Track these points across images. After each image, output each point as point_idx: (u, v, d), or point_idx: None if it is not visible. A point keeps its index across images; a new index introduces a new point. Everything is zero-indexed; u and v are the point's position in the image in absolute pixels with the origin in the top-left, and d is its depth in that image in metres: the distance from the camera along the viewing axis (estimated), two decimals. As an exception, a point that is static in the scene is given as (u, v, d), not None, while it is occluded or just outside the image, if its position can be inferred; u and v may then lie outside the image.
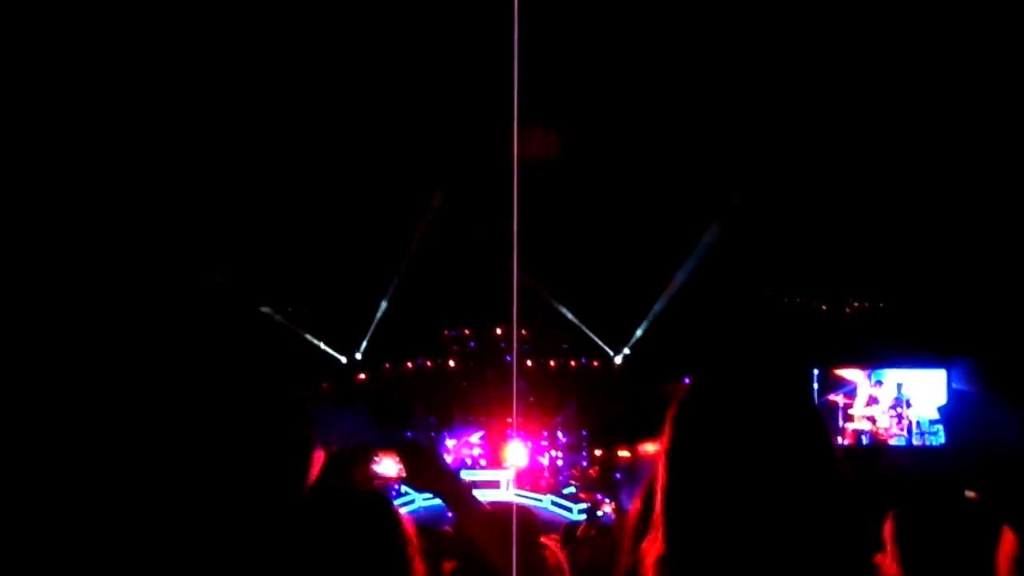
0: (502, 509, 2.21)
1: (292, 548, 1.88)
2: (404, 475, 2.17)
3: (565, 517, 11.93)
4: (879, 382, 12.61)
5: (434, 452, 2.21)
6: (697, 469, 1.25)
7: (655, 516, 1.30)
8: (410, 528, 2.04)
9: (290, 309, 15.10)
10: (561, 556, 2.62)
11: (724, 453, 1.23)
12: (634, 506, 1.51)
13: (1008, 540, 1.93)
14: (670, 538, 1.26)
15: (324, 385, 15.21)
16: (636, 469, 13.26)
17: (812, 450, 1.25)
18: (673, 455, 1.29)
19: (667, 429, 1.32)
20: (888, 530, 2.15)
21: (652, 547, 1.30)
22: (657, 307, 15.04)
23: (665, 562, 1.26)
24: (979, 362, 12.32)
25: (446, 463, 2.21)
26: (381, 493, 2.16)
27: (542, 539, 2.44)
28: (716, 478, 1.22)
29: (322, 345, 15.57)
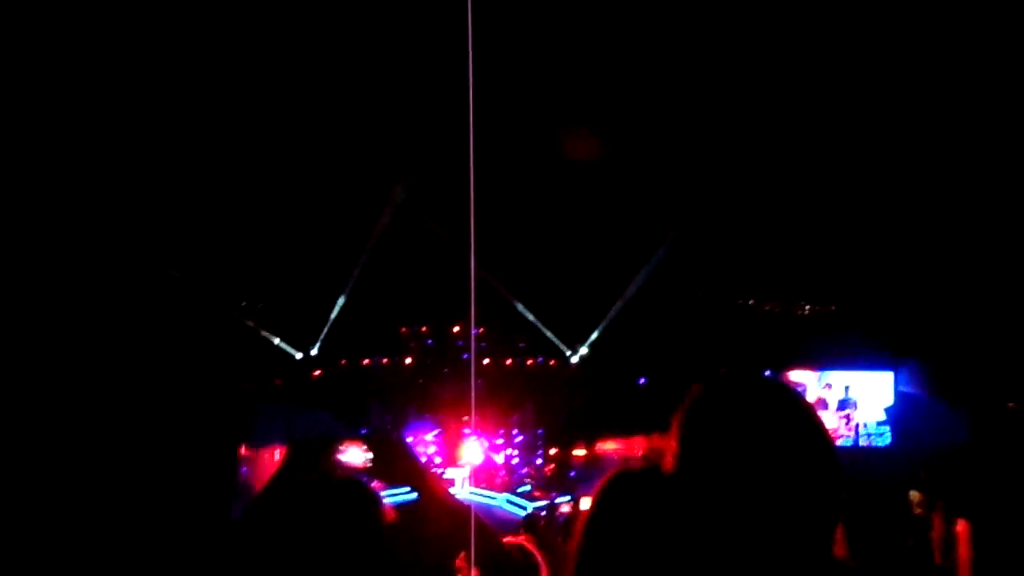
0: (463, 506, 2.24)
1: (273, 533, 1.89)
2: (370, 465, 2.17)
3: (518, 515, 11.97)
4: (828, 384, 12.86)
5: (402, 443, 2.21)
6: (706, 471, 1.30)
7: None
8: (389, 511, 2.06)
9: (244, 304, 14.94)
10: (535, 551, 2.65)
11: (733, 457, 1.28)
12: (580, 516, 1.55)
13: (963, 530, 1.98)
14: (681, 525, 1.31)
15: (277, 381, 15.07)
16: (592, 467, 13.34)
17: (817, 453, 1.30)
18: (684, 455, 1.33)
19: (675, 432, 1.36)
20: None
21: None
22: (614, 309, 15.18)
23: None
24: (926, 365, 12.61)
25: (415, 456, 2.22)
26: (357, 478, 2.16)
27: (511, 538, 2.45)
28: (728, 481, 1.27)
29: (277, 341, 15.42)
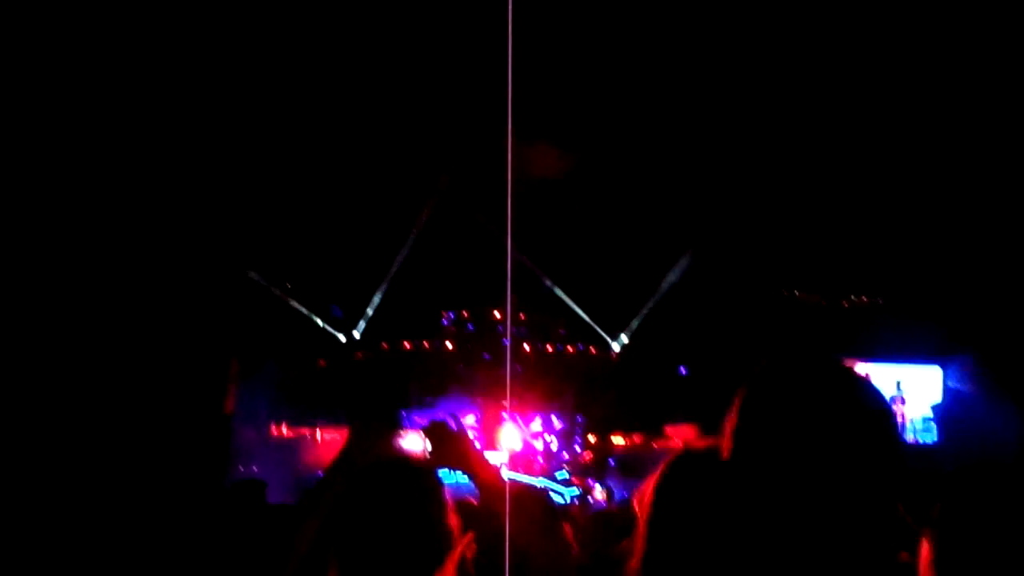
0: (526, 490, 2.23)
1: (338, 515, 1.93)
2: (429, 453, 2.18)
3: (556, 502, 12.01)
4: (866, 375, 12.62)
5: (461, 435, 2.20)
6: (764, 455, 1.25)
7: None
8: (449, 499, 2.08)
9: (290, 286, 15.15)
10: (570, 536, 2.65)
11: (789, 438, 1.23)
12: (645, 497, 1.51)
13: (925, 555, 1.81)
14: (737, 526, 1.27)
15: (321, 362, 15.27)
16: (631, 456, 13.31)
17: (880, 445, 1.25)
18: (741, 437, 1.29)
19: (733, 412, 1.32)
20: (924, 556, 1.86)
21: None
22: (655, 297, 15.07)
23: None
24: (977, 360, 12.33)
25: (473, 446, 2.21)
26: (420, 464, 2.18)
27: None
28: (783, 468, 1.22)
29: (320, 323, 15.61)
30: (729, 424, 1.31)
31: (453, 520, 2.04)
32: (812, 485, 1.22)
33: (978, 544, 1.52)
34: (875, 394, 1.31)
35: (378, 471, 2.07)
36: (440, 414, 2.33)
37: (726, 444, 1.31)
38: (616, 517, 3.63)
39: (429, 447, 2.21)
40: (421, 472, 2.08)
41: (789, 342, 12.79)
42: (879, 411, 1.30)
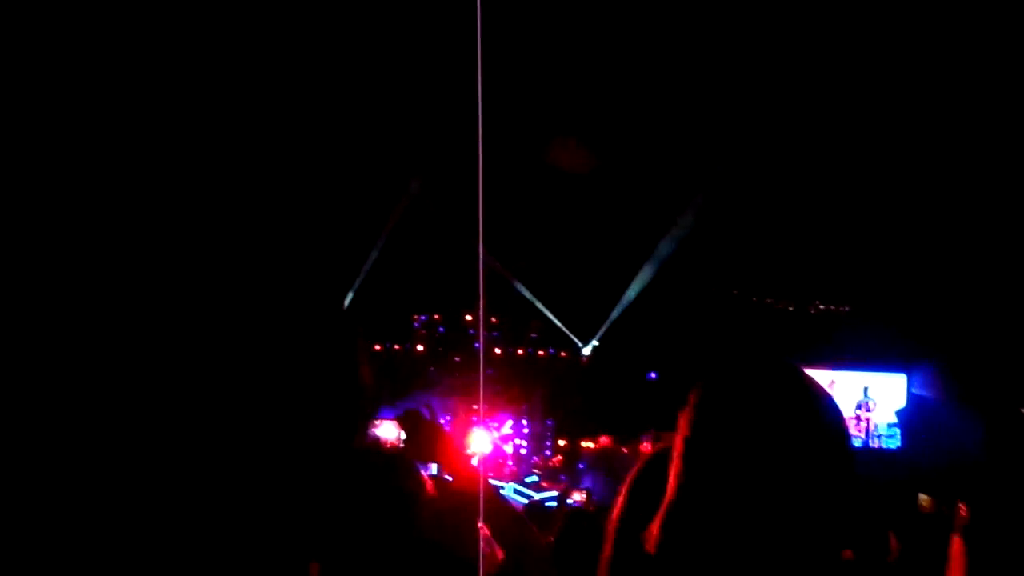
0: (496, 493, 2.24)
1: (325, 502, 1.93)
2: (402, 443, 2.19)
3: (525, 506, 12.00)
4: (832, 382, 12.80)
5: (435, 424, 2.21)
6: (716, 458, 1.26)
7: (667, 497, 1.32)
8: (428, 483, 2.09)
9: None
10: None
11: (744, 444, 1.25)
12: (619, 499, 1.53)
13: (956, 549, 1.94)
14: (683, 524, 1.28)
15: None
16: (600, 460, 13.31)
17: (832, 445, 1.27)
18: (692, 444, 1.30)
19: (686, 418, 1.33)
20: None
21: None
22: (626, 301, 15.15)
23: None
24: (941, 368, 12.51)
25: (447, 436, 2.22)
26: (397, 453, 2.20)
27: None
28: (734, 467, 1.24)
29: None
30: (680, 430, 1.33)
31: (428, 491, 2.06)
32: (760, 487, 1.24)
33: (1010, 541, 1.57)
34: (823, 395, 1.34)
35: (354, 459, 2.08)
36: (414, 403, 2.33)
37: (676, 450, 1.33)
38: (590, 515, 3.64)
39: (403, 436, 2.21)
40: (396, 458, 2.09)
41: (755, 347, 12.90)
42: (828, 411, 1.32)
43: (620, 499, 1.52)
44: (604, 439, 13.74)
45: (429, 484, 2.13)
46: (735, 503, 1.23)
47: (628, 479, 1.53)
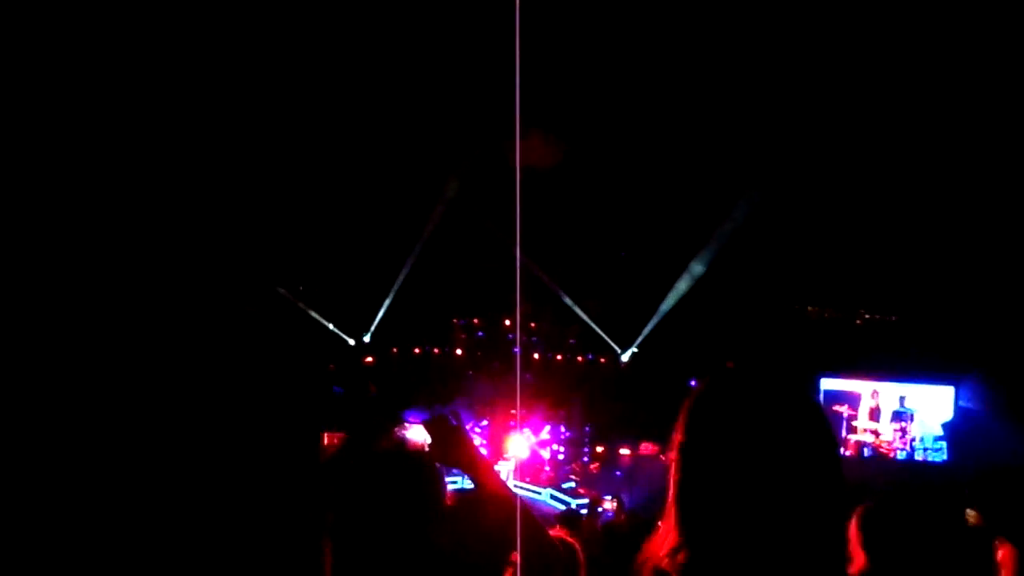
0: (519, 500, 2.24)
1: (343, 500, 1.96)
2: (430, 450, 2.21)
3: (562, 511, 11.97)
4: (876, 393, 12.58)
5: (461, 430, 2.23)
6: (709, 463, 1.30)
7: (667, 507, 1.34)
8: (446, 488, 2.11)
9: (302, 288, 15.21)
10: (576, 545, 2.65)
11: (736, 449, 1.28)
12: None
13: (1006, 554, 1.97)
14: (683, 528, 1.30)
15: (331, 366, 15.32)
16: (637, 468, 13.22)
17: (818, 449, 1.29)
18: (687, 449, 1.33)
19: (680, 425, 1.36)
20: (853, 528, 2.17)
21: (665, 539, 1.34)
22: (666, 308, 15.05)
23: (677, 552, 1.30)
24: (988, 381, 12.25)
25: (472, 443, 2.23)
26: (421, 454, 2.22)
27: (554, 531, 2.47)
28: (727, 472, 1.27)
29: (331, 326, 15.66)
30: (675, 437, 1.37)
31: (448, 507, 2.06)
32: (749, 490, 1.27)
33: None
34: (810, 403, 1.37)
35: (376, 459, 2.10)
36: (441, 409, 2.34)
37: (672, 456, 1.37)
38: (623, 527, 3.63)
39: (429, 441, 2.23)
40: (418, 460, 2.10)
41: (799, 356, 12.74)
42: (815, 423, 1.35)
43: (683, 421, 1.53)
44: (642, 447, 13.66)
45: (449, 495, 2.13)
46: (726, 504, 1.26)
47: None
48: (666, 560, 1.33)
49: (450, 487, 2.25)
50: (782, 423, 1.32)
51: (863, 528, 2.02)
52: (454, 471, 2.26)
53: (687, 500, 1.32)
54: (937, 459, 12.56)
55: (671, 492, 1.35)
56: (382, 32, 8.44)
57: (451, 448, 2.20)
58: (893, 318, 14.55)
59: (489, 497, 2.14)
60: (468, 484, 2.24)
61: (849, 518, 1.37)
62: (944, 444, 12.57)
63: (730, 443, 1.31)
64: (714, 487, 1.30)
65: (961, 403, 12.62)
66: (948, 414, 12.63)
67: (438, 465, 2.17)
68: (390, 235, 13.81)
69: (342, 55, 8.85)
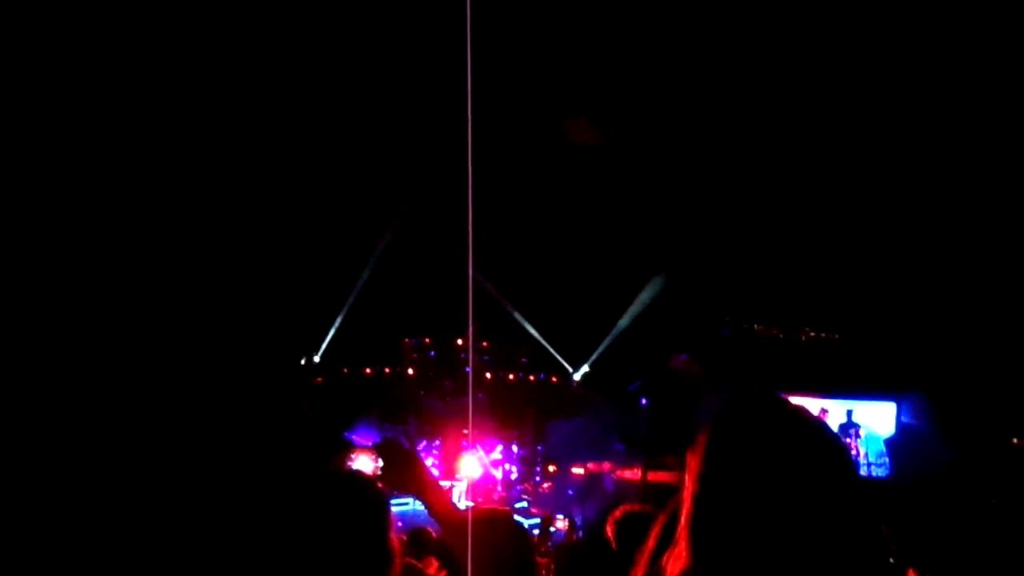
0: (487, 519, 2.20)
1: (287, 526, 1.89)
2: (379, 473, 2.16)
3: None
4: (825, 410, 12.80)
5: (412, 454, 2.19)
6: (728, 492, 1.29)
7: (679, 532, 1.33)
8: (390, 512, 2.05)
9: (249, 310, 14.96)
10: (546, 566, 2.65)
11: (755, 479, 1.27)
12: (652, 532, 1.55)
13: None
14: (696, 555, 1.29)
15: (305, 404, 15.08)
16: (591, 487, 13.25)
17: (837, 478, 1.29)
18: (705, 479, 1.32)
19: (699, 454, 1.35)
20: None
21: (675, 563, 1.33)
22: (617, 327, 15.16)
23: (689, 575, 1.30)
24: (930, 396, 12.54)
25: (424, 466, 2.20)
26: (367, 478, 2.17)
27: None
28: (746, 501, 1.26)
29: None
30: (692, 467, 1.36)
31: (395, 539, 2.01)
32: (777, 525, 1.26)
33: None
34: (831, 435, 1.38)
35: (321, 482, 2.05)
36: (392, 432, 2.31)
37: (689, 487, 1.35)
38: (581, 547, 3.63)
39: (380, 464, 2.20)
40: (365, 485, 2.05)
41: (746, 374, 12.92)
42: (837, 451, 1.35)
43: (653, 533, 1.53)
44: (592, 465, 13.68)
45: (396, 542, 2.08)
46: (746, 535, 1.25)
47: (662, 517, 1.55)
48: None
49: (399, 508, 2.22)
50: (802, 454, 1.32)
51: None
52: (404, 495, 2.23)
53: (702, 526, 1.32)
54: (880, 474, 12.82)
55: (684, 518, 1.34)
56: (332, 47, 8.41)
57: (403, 472, 2.17)
58: (836, 336, 14.84)
59: (442, 520, 2.12)
60: (419, 507, 2.21)
61: (876, 549, 1.35)
62: (887, 459, 12.83)
63: (749, 472, 1.31)
64: (731, 515, 1.29)
65: (903, 419, 12.91)
66: (890, 430, 12.90)
67: (384, 492, 2.13)
68: (340, 254, 13.69)
69: (292, 72, 8.79)
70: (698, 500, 1.33)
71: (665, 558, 1.38)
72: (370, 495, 2.01)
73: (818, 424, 1.38)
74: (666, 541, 1.47)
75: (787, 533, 1.27)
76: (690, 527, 1.32)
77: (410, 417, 14.27)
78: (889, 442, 12.84)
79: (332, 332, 15.32)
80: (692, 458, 1.37)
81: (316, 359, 15.66)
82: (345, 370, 15.84)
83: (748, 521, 1.28)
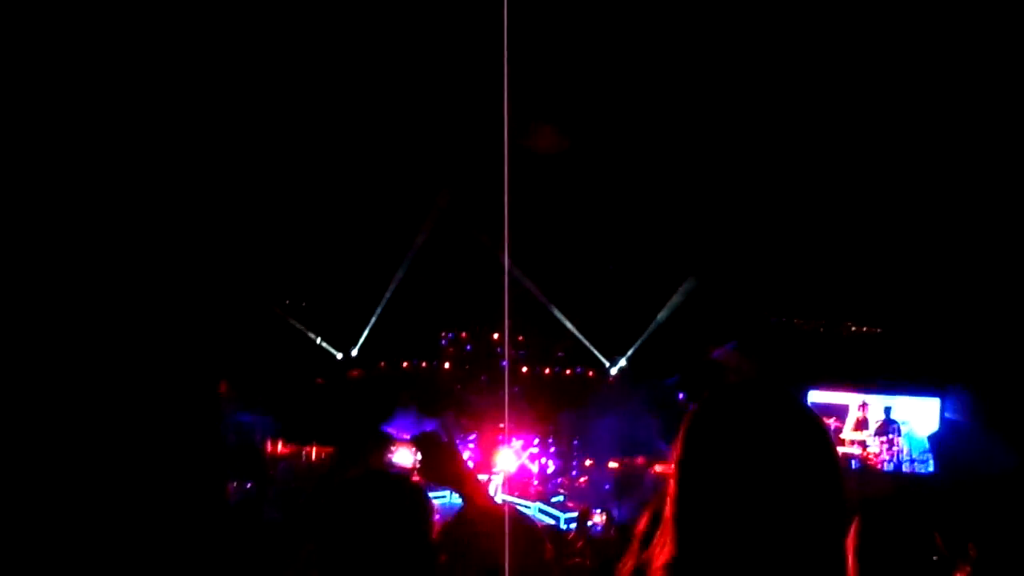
0: (515, 514, 2.21)
1: (329, 525, 1.91)
2: (418, 466, 2.18)
3: (550, 526, 11.93)
4: (865, 404, 12.62)
5: (451, 447, 2.20)
6: (708, 479, 1.30)
7: (664, 522, 1.35)
8: (434, 514, 2.07)
9: (288, 302, 15.15)
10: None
11: (734, 465, 1.29)
12: (643, 516, 1.56)
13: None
14: (680, 543, 1.31)
15: (319, 380, 15.24)
16: (628, 481, 13.20)
17: (818, 464, 1.30)
18: (685, 466, 1.33)
19: (679, 442, 1.37)
20: (850, 540, 2.17)
21: (660, 552, 1.34)
22: (655, 321, 15.08)
23: (673, 566, 1.31)
24: (974, 393, 12.31)
25: (462, 459, 2.21)
26: (406, 477, 2.18)
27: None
28: (726, 488, 1.28)
29: (319, 340, 15.60)
30: (674, 453, 1.38)
31: (437, 538, 2.03)
32: (750, 506, 1.28)
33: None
34: (814, 424, 1.38)
35: (363, 484, 2.07)
36: (430, 426, 2.32)
37: (672, 471, 1.38)
38: (613, 545, 3.61)
39: (419, 459, 2.21)
40: (406, 486, 2.07)
41: (787, 368, 12.78)
42: (818, 441, 1.36)
43: (644, 518, 1.53)
44: (627, 461, 13.65)
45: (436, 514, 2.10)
46: (724, 520, 1.26)
47: (652, 504, 1.55)
48: (662, 573, 1.33)
49: (437, 502, 2.23)
50: (782, 439, 1.33)
51: (859, 542, 2.02)
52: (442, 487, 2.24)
53: (685, 515, 1.33)
54: (924, 471, 12.61)
55: (668, 506, 1.35)
56: (369, 44, 8.45)
57: (441, 465, 2.19)
58: (879, 330, 14.62)
59: (478, 513, 2.13)
60: (457, 500, 2.22)
61: (847, 533, 1.36)
62: (930, 456, 12.62)
63: (729, 458, 1.32)
64: (712, 502, 1.31)
65: (947, 415, 12.68)
66: (934, 426, 12.68)
67: (424, 488, 2.15)
68: (378, 248, 13.79)
69: (328, 68, 8.86)
70: (679, 487, 1.35)
71: (653, 544, 1.39)
72: (412, 498, 2.03)
73: (799, 408, 1.38)
74: (655, 528, 1.48)
75: (764, 518, 1.28)
76: (673, 514, 1.34)
77: (446, 411, 14.35)
78: (933, 439, 12.63)
79: (369, 326, 15.45)
80: (675, 445, 1.39)
81: (354, 353, 15.81)
82: (382, 364, 15.97)
83: (726, 507, 1.30)
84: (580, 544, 7.51)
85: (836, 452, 1.36)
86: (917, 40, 7.67)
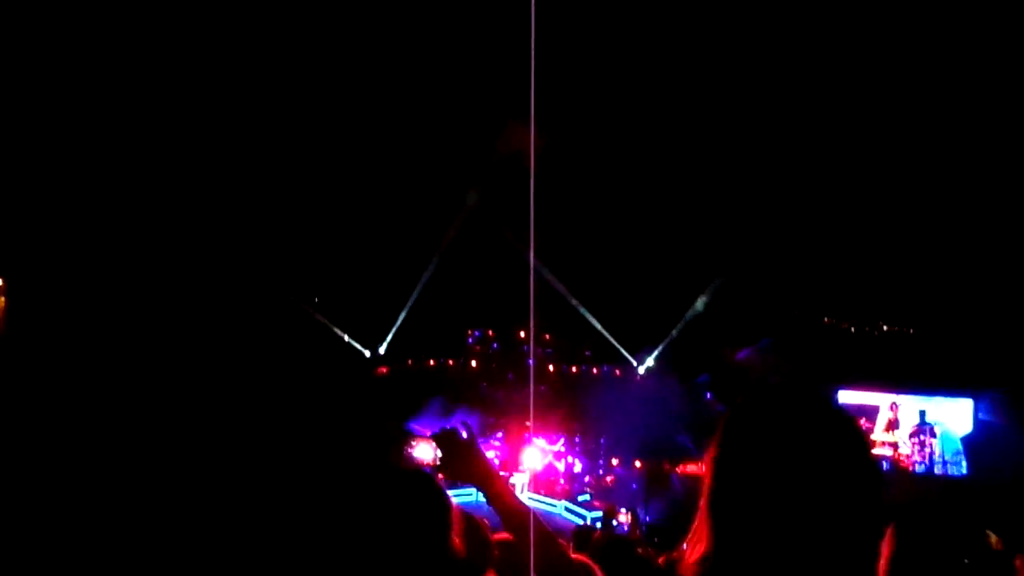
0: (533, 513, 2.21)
1: (342, 523, 1.92)
2: (438, 463, 2.16)
3: (577, 524, 11.89)
4: (896, 405, 12.44)
5: (471, 444, 2.18)
6: (744, 479, 1.31)
7: (698, 519, 1.36)
8: (455, 508, 2.06)
9: (318, 300, 15.25)
10: (592, 566, 2.62)
11: (770, 465, 1.30)
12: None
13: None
14: (714, 540, 1.32)
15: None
16: (656, 481, 13.11)
17: (853, 467, 1.30)
18: (721, 465, 1.35)
19: (716, 441, 1.38)
20: (885, 545, 2.15)
21: (694, 548, 1.36)
22: (683, 320, 14.98)
23: (707, 562, 1.32)
24: (1009, 394, 12.10)
25: (483, 456, 2.19)
26: (427, 472, 2.17)
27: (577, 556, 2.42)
28: (761, 488, 1.29)
29: (346, 338, 15.69)
30: (710, 453, 1.39)
31: (457, 541, 2.02)
32: (781, 508, 1.28)
33: None
34: (850, 427, 1.37)
35: (387, 485, 2.06)
36: (451, 422, 2.31)
37: (707, 471, 1.38)
38: (632, 545, 3.57)
39: (439, 455, 2.20)
40: (429, 486, 2.06)
41: (818, 368, 12.65)
42: (853, 443, 1.35)
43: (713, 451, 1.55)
44: (656, 460, 13.57)
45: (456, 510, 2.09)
46: (758, 517, 1.27)
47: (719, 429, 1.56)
48: (695, 568, 1.34)
49: (458, 500, 2.22)
50: (818, 442, 1.33)
51: (895, 550, 2.01)
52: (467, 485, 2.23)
53: (720, 512, 1.34)
54: (956, 473, 12.41)
55: (703, 502, 1.36)
56: (399, 49, 8.49)
57: (462, 463, 2.17)
58: (911, 330, 14.43)
59: (502, 512, 2.12)
60: (481, 498, 2.21)
61: (882, 535, 1.36)
62: (963, 458, 12.42)
63: (765, 459, 1.33)
64: (747, 501, 1.31)
65: (981, 416, 12.47)
66: (968, 427, 12.48)
67: (443, 485, 2.14)
68: (406, 248, 13.85)
69: (357, 71, 8.91)
70: (715, 485, 1.35)
71: (686, 541, 1.40)
72: (434, 497, 2.02)
73: (836, 412, 1.38)
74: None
75: (798, 518, 1.28)
76: (708, 511, 1.34)
77: (470, 408, 14.37)
78: (966, 440, 12.42)
79: (397, 324, 15.51)
80: (711, 445, 1.40)
81: (381, 351, 15.89)
82: (409, 361, 16.03)
83: (761, 505, 1.30)
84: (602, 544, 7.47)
85: (872, 456, 1.35)
86: (956, 39, 7.56)
